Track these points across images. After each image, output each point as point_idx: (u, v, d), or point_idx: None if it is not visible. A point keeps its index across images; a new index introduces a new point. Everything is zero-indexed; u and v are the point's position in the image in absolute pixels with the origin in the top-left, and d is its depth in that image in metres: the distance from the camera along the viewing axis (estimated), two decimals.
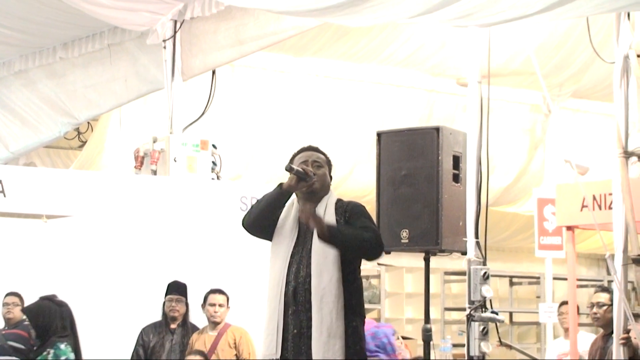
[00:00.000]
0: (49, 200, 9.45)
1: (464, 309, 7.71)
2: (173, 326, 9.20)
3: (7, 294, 9.16)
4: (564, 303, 10.06)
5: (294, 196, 6.05)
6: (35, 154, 13.82)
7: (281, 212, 5.98)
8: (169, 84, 10.80)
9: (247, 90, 12.01)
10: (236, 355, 9.05)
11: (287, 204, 6.06)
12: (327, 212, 5.88)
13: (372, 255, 5.97)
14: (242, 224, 6.02)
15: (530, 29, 9.76)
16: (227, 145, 11.16)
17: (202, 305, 9.18)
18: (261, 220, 5.96)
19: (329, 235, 5.71)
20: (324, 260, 5.80)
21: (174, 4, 10.56)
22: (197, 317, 9.31)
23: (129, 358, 9.17)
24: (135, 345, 9.17)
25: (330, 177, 6.03)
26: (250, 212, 6.04)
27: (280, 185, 5.90)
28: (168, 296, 9.22)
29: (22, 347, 8.85)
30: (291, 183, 5.83)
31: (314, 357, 5.72)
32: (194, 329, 9.25)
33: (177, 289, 9.22)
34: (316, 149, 6.05)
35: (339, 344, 5.73)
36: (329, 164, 5.99)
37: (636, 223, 7.58)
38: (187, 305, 9.22)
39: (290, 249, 5.93)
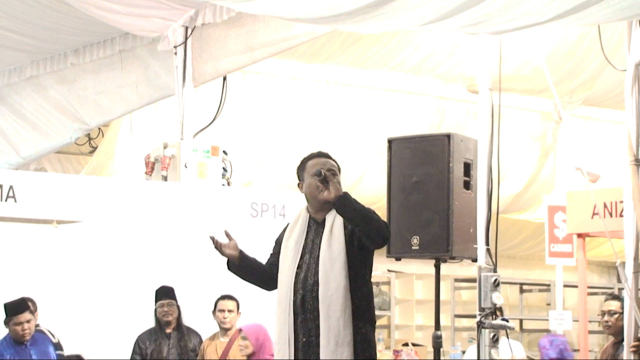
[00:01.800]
0: (59, 205, 9.48)
1: (474, 316, 7.71)
2: (168, 330, 9.18)
3: None
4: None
5: (303, 208, 6.06)
6: (46, 159, 13.86)
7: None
8: (180, 90, 10.82)
9: (258, 97, 12.03)
10: None
11: (296, 215, 6.08)
12: (336, 218, 5.88)
13: (378, 237, 5.85)
14: None
15: (542, 37, 9.78)
16: (238, 151, 11.17)
17: (212, 311, 9.19)
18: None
19: (345, 201, 5.73)
20: (330, 267, 5.79)
21: (185, 10, 10.58)
22: (191, 320, 9.32)
23: None
24: (132, 354, 9.13)
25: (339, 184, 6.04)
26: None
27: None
28: (159, 302, 9.18)
29: None
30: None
31: None
32: (189, 331, 9.23)
33: (166, 294, 9.19)
34: (327, 155, 6.03)
35: (347, 351, 5.73)
36: (339, 170, 6.00)
37: None
38: (178, 308, 9.18)
39: (297, 258, 5.93)
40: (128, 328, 9.18)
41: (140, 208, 9.79)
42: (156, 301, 9.21)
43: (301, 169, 6.03)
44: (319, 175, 5.79)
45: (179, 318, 9.20)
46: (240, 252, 6.09)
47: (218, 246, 6.04)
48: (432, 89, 12.44)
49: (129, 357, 9.13)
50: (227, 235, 6.10)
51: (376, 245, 5.93)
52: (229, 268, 6.18)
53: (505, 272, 11.06)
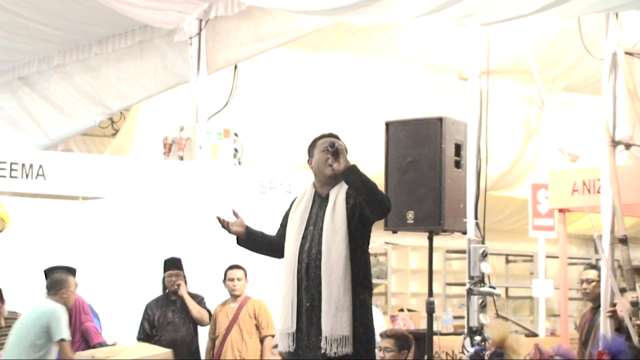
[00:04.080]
0: (85, 183, 9.48)
1: (464, 284, 7.72)
2: (174, 298, 9.19)
3: None
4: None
5: (309, 184, 6.07)
6: (72, 141, 13.85)
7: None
8: (195, 78, 10.81)
9: (266, 84, 12.00)
10: (256, 325, 9.08)
11: (302, 190, 6.09)
12: (339, 193, 5.89)
13: (381, 207, 5.87)
14: None
15: (526, 28, 9.73)
16: (248, 133, 11.15)
17: (223, 280, 9.19)
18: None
19: (354, 170, 5.75)
20: (333, 239, 5.81)
21: (199, 4, 10.57)
22: (203, 288, 9.33)
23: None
24: (142, 320, 9.14)
25: None
26: None
27: None
28: (167, 272, 9.18)
29: None
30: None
31: (323, 328, 5.74)
32: (194, 297, 9.22)
33: (175, 264, 9.18)
34: (336, 136, 6.05)
35: (346, 315, 5.74)
36: (346, 150, 5.99)
37: (622, 206, 7.57)
38: (184, 277, 9.18)
39: (302, 229, 5.94)
40: (144, 295, 9.21)
41: (159, 185, 9.79)
42: (165, 271, 9.21)
43: (312, 146, 6.06)
44: (332, 146, 5.80)
45: (182, 285, 9.19)
46: (247, 227, 6.11)
47: (225, 225, 6.06)
48: (425, 76, 12.39)
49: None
50: (235, 213, 6.12)
51: (377, 216, 5.95)
52: (238, 243, 6.19)
53: (492, 244, 11.06)
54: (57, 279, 8.05)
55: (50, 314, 7.69)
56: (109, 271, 9.21)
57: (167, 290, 9.20)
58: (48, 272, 8.29)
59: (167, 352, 8.29)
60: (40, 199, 9.38)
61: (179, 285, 9.12)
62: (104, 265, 9.23)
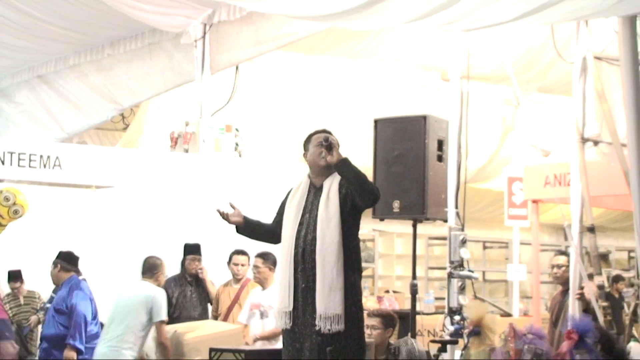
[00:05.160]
0: (97, 173, 9.49)
1: (445, 268, 7.72)
2: (190, 279, 9.21)
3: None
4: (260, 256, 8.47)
5: (305, 174, 6.07)
6: (86, 134, 13.84)
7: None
8: (199, 77, 10.81)
9: (265, 83, 11.99)
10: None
11: (298, 181, 6.09)
12: (332, 184, 5.89)
13: (370, 197, 5.87)
14: None
15: (504, 34, 9.74)
16: (248, 128, 11.16)
17: (227, 262, 9.18)
18: None
19: (346, 163, 5.75)
20: (327, 226, 5.81)
21: (204, 9, 10.56)
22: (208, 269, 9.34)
23: None
24: None
25: None
26: None
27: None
28: (190, 256, 9.19)
29: None
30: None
31: (317, 307, 5.75)
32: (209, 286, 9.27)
33: (196, 250, 9.21)
34: (329, 132, 6.05)
35: (339, 295, 5.74)
36: (338, 144, 5.99)
37: (590, 198, 7.58)
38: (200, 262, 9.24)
39: (299, 217, 5.95)
40: None
41: (165, 175, 9.80)
42: (186, 254, 9.20)
43: (307, 141, 6.06)
44: (325, 141, 5.81)
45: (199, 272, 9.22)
46: (244, 218, 6.12)
47: (225, 216, 6.06)
48: (411, 78, 12.39)
49: None
50: (232, 205, 6.13)
51: (368, 204, 5.95)
52: (237, 231, 6.21)
53: (471, 232, 11.03)
54: (152, 263, 8.15)
55: (153, 297, 7.84)
56: (118, 253, 9.21)
57: (187, 272, 9.20)
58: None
59: (237, 328, 8.30)
60: (56, 187, 9.39)
61: (201, 269, 9.17)
62: (113, 248, 9.23)
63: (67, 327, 8.25)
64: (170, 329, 8.03)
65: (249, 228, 6.16)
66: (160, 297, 7.87)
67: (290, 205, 6.01)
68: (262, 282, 8.44)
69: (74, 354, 8.11)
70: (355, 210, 5.88)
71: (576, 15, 6.52)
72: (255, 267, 8.42)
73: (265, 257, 8.37)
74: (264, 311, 8.32)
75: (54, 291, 8.85)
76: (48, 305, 9.00)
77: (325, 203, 5.85)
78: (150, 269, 8.09)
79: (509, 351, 5.82)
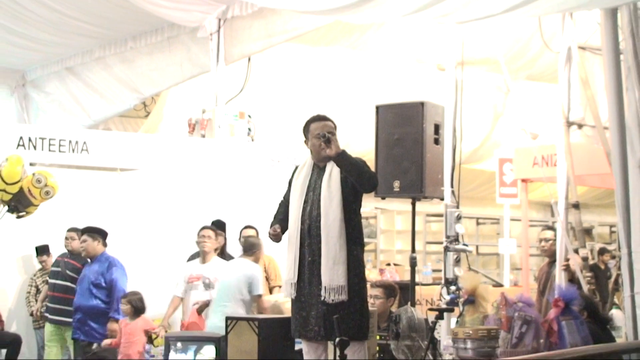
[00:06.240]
0: (121, 157, 9.50)
1: (442, 243, 7.70)
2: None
3: (68, 230, 9.05)
4: (206, 227, 8.51)
5: (309, 155, 6.03)
6: (111, 121, 13.83)
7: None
8: (215, 68, 10.80)
9: (275, 73, 11.97)
10: (266, 277, 9.06)
11: (303, 161, 6.05)
12: (334, 168, 5.85)
13: (368, 184, 5.84)
14: None
15: (495, 26, 9.68)
16: (260, 115, 11.14)
17: (238, 238, 9.15)
18: None
19: (344, 156, 5.71)
20: (329, 203, 5.79)
21: (218, 6, 10.55)
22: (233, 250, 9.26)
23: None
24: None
25: None
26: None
27: None
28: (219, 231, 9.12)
29: (76, 276, 8.81)
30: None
31: (322, 279, 5.75)
32: (229, 258, 9.17)
33: (220, 227, 9.07)
34: (326, 118, 5.98)
35: (342, 268, 5.74)
36: (335, 128, 5.95)
37: (574, 177, 7.55)
38: (225, 238, 9.07)
39: (304, 195, 5.92)
40: (173, 253, 9.18)
41: (184, 159, 9.80)
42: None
43: (306, 129, 5.99)
44: (323, 137, 5.77)
45: (224, 246, 9.08)
46: (282, 225, 6.02)
47: (279, 238, 6.00)
48: (410, 67, 12.35)
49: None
50: (275, 229, 5.98)
51: (367, 191, 5.94)
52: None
53: (465, 209, 10.98)
54: (252, 243, 8.19)
55: (251, 275, 7.87)
56: (142, 232, 9.21)
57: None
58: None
59: None
60: (84, 170, 9.39)
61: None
62: (137, 227, 9.23)
63: (104, 302, 8.40)
64: (269, 298, 8.05)
65: (284, 227, 6.09)
66: (257, 274, 7.93)
67: (295, 183, 5.99)
68: (208, 254, 8.42)
69: (116, 326, 8.23)
70: (356, 190, 5.85)
71: (562, 8, 6.48)
72: (209, 237, 8.41)
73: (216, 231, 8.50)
74: (209, 282, 8.30)
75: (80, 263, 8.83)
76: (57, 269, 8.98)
77: (328, 182, 5.83)
78: (251, 247, 8.11)
79: (500, 318, 5.81)
